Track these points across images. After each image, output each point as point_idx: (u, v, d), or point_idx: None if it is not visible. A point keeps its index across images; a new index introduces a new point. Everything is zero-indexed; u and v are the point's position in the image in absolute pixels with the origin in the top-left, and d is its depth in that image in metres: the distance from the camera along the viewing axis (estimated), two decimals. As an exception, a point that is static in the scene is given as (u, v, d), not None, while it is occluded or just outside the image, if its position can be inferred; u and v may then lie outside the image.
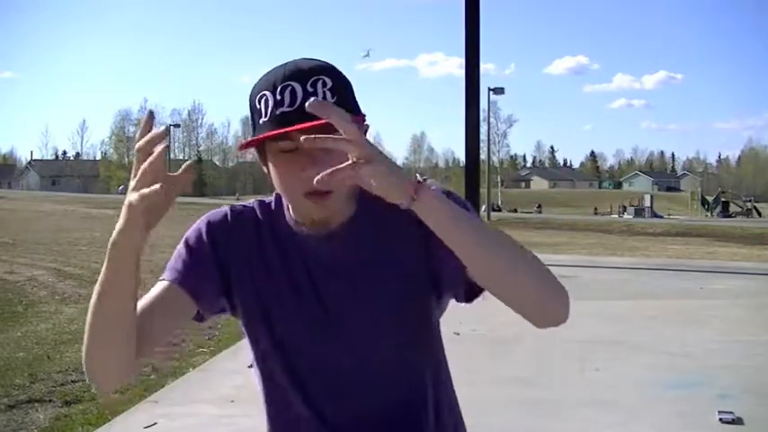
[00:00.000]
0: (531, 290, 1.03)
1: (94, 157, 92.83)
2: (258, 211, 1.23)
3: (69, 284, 9.31)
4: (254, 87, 1.13)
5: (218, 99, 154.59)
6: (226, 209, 1.23)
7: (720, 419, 3.41)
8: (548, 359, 4.53)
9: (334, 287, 1.17)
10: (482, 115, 11.32)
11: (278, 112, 1.07)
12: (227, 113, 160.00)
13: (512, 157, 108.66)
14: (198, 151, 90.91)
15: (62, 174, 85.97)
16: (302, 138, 0.92)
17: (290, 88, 1.07)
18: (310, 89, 1.07)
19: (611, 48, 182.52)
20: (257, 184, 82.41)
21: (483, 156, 36.36)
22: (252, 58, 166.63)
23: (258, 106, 1.10)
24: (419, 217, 0.97)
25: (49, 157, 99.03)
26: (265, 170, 1.16)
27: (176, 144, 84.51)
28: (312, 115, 0.97)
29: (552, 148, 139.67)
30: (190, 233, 1.22)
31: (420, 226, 1.01)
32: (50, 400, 4.31)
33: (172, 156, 70.72)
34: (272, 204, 1.23)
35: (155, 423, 3.39)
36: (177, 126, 74.55)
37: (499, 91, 42.25)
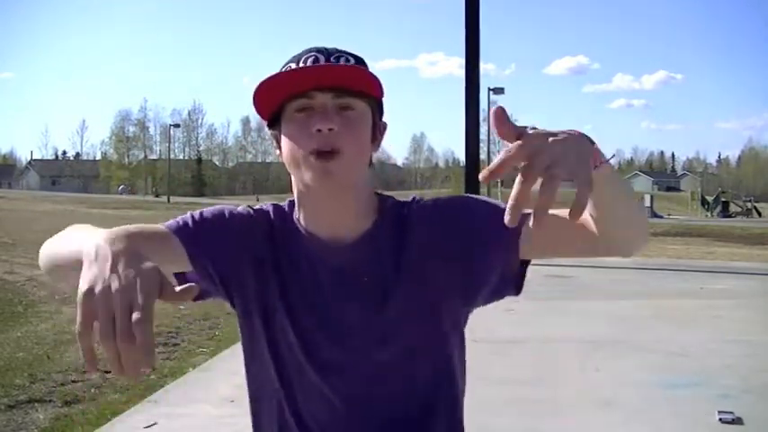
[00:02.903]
0: (638, 231, 1.12)
1: (94, 158, 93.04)
2: (273, 215, 1.21)
3: (69, 284, 9.31)
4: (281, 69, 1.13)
5: (219, 99, 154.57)
6: (246, 208, 1.21)
7: (720, 419, 3.41)
8: (548, 359, 4.53)
9: (344, 305, 1.14)
10: (482, 115, 11.29)
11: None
12: (227, 113, 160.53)
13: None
14: (198, 151, 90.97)
15: (62, 174, 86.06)
16: (482, 175, 0.77)
17: (312, 56, 1.10)
18: (333, 61, 1.09)
19: (611, 48, 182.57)
20: (257, 184, 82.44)
21: (483, 156, 36.32)
22: (252, 58, 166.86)
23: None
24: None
25: (49, 157, 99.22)
26: (278, 152, 1.14)
27: (176, 144, 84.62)
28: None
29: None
30: (213, 209, 1.18)
31: (462, 239, 1.10)
32: (50, 400, 4.31)
33: (172, 156, 70.70)
34: (286, 207, 1.21)
35: (155, 423, 3.39)
36: (177, 126, 74.54)
37: (499, 91, 42.11)
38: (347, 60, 1.11)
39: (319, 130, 1.05)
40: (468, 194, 1.28)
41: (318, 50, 1.12)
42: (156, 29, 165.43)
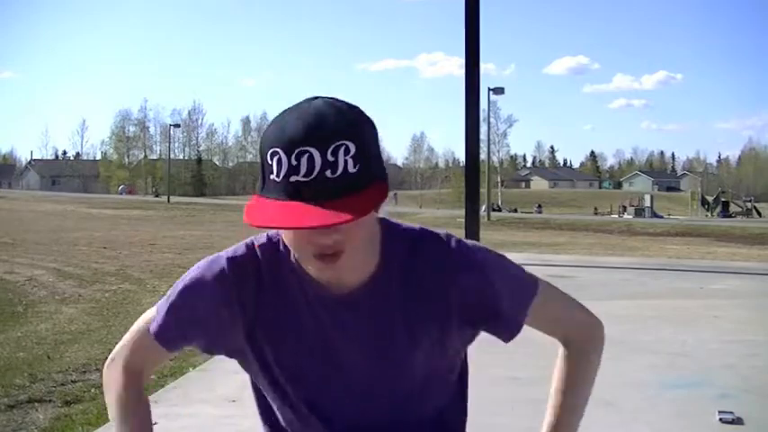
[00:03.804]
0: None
1: (94, 157, 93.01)
2: (261, 256, 1.15)
3: (69, 284, 9.31)
4: (267, 133, 1.01)
5: (219, 99, 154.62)
6: (223, 263, 1.14)
7: (720, 419, 3.40)
8: (548, 359, 4.53)
9: (347, 346, 1.14)
10: (482, 115, 11.34)
11: (292, 180, 0.96)
12: (227, 113, 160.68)
13: (512, 157, 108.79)
14: (198, 151, 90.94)
15: (62, 174, 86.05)
16: None
17: (307, 155, 0.95)
18: (330, 158, 0.95)
19: (611, 48, 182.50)
20: (257, 184, 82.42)
21: (483, 156, 36.36)
22: (252, 58, 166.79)
23: (269, 162, 0.99)
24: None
25: (49, 157, 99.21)
26: None
27: (176, 144, 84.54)
28: (328, 191, 0.94)
29: (552, 148, 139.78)
30: (184, 289, 1.15)
31: (463, 296, 1.18)
32: (50, 400, 4.31)
33: (172, 156, 70.64)
34: (280, 245, 1.14)
35: (155, 423, 3.39)
36: (177, 126, 74.50)
37: (499, 91, 42.23)
38: (346, 152, 0.96)
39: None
40: (492, 270, 1.22)
41: (313, 138, 0.95)
42: (157, 29, 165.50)
